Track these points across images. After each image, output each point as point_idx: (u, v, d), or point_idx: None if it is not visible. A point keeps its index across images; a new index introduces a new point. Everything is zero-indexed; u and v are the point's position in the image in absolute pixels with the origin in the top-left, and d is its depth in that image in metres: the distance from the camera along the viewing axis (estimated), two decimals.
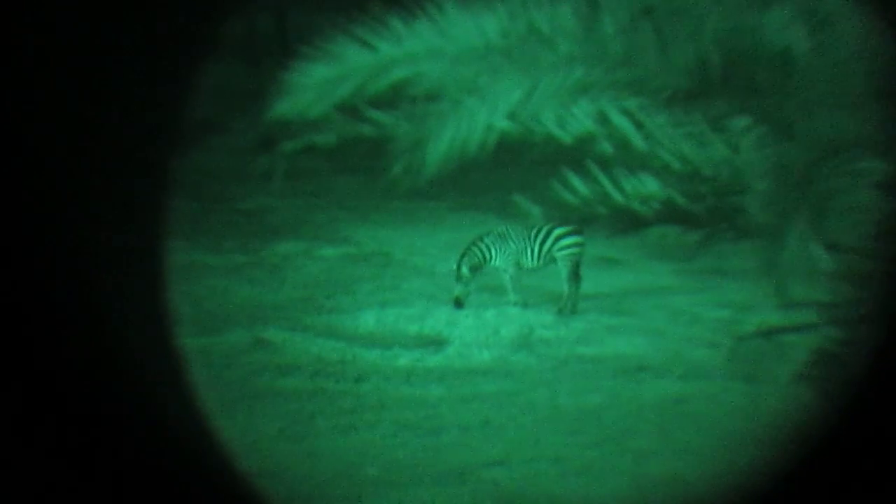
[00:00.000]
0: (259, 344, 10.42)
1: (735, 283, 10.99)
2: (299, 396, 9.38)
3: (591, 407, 9.09)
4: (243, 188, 14.12)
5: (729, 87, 5.07)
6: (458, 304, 11.15)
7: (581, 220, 5.58)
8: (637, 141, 5.05)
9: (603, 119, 5.04)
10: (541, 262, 11.54)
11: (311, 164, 14.16)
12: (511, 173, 11.40)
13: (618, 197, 5.17)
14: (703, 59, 5.16)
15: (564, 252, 11.47)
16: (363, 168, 13.57)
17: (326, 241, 13.06)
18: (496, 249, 11.53)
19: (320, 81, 5.10)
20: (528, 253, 11.53)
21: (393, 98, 4.95)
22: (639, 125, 5.07)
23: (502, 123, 5.01)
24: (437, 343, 10.56)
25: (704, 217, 5.15)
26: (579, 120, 5.05)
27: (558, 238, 11.51)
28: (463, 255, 11.42)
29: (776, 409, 8.60)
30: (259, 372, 9.84)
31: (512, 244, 11.57)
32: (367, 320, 10.99)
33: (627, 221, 5.24)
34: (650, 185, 5.11)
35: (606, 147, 5.03)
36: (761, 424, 8.51)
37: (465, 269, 11.28)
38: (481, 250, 11.51)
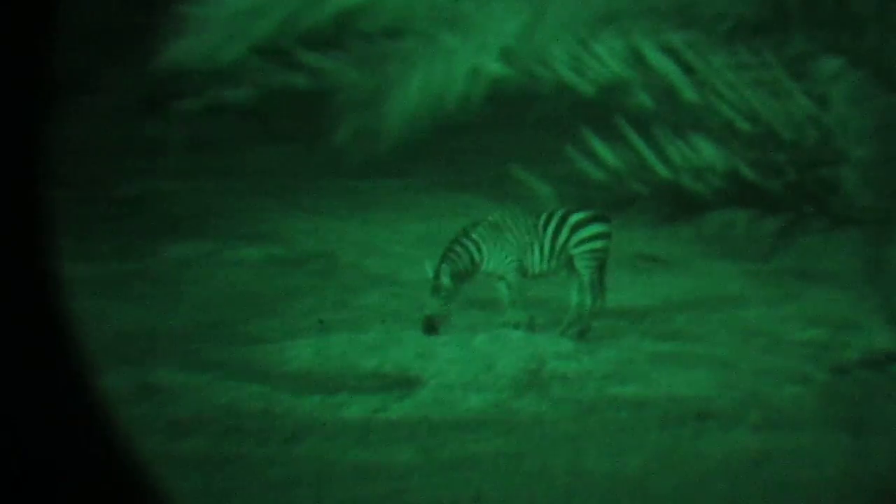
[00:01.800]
0: (146, 390, 10.52)
1: (828, 291, 11.22)
2: (206, 465, 9.49)
3: (631, 472, 9.26)
4: (124, 167, 14.19)
5: (812, 18, 5.24)
6: (432, 327, 11.27)
7: (609, 204, 5.76)
8: (687, 90, 5.21)
9: (637, 60, 5.19)
10: (553, 263, 11.69)
11: (221, 131, 14.19)
12: (509, 138, 11.55)
13: (662, 169, 5.33)
14: None
15: (585, 248, 11.63)
16: (295, 135, 13.60)
17: (243, 240, 13.17)
18: (489, 248, 11.67)
19: (232, 14, 5.22)
20: (535, 251, 11.69)
21: (338, 35, 5.08)
22: (688, 69, 5.23)
23: (494, 67, 5.16)
24: (406, 384, 10.69)
25: (784, 198, 5.32)
26: (604, 61, 5.20)
27: (576, 228, 11.66)
28: (442, 258, 11.56)
29: (891, 471, 8.83)
30: (147, 431, 9.96)
31: (511, 239, 11.72)
32: (303, 353, 11.12)
33: (676, 204, 5.40)
34: (707, 152, 5.27)
35: (644, 99, 5.18)
36: (870, 492, 8.74)
37: (445, 279, 11.41)
38: (468, 250, 11.64)
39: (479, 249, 11.60)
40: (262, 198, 13.97)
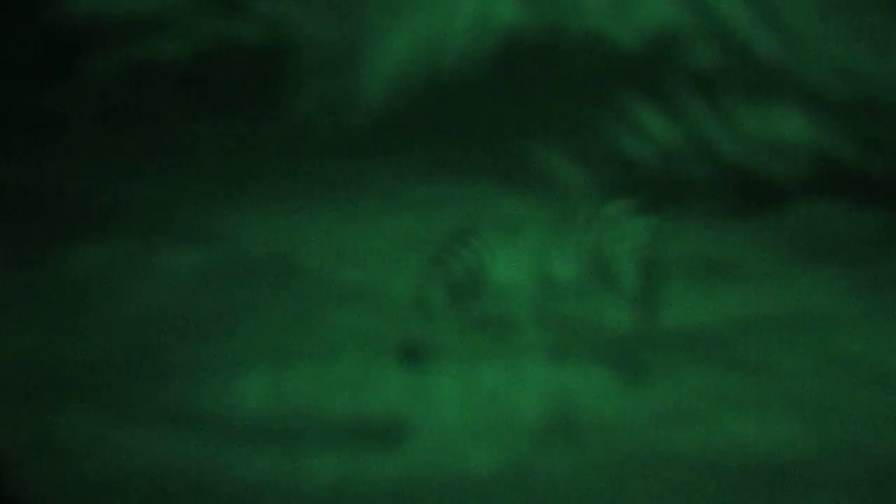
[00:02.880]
0: (44, 442, 10.58)
1: None
2: None
3: None
4: (19, 145, 14.26)
5: None
6: (415, 356, 11.36)
7: (660, 191, 5.80)
8: (763, 43, 5.22)
9: (699, 3, 5.20)
10: (584, 269, 11.78)
11: (146, 98, 14.24)
12: (526, 105, 11.56)
13: (730, 147, 5.35)
14: None
15: (628, 249, 11.73)
16: (244, 104, 13.61)
17: (176, 241, 13.24)
18: (499, 250, 11.77)
19: None
20: (561, 254, 11.78)
21: None
22: (766, 14, 5.25)
23: (508, 11, 5.17)
24: (391, 433, 10.69)
25: (890, 185, 5.34)
26: (653, 5, 5.21)
27: (616, 223, 11.76)
28: (435, 265, 11.66)
29: None
30: (46, 497, 10.00)
31: (529, 238, 11.82)
32: (254, 392, 11.15)
33: (748, 192, 5.41)
34: (790, 124, 5.29)
35: (706, 55, 5.19)
36: None
37: (438, 292, 11.52)
38: (471, 253, 11.75)
39: (484, 252, 11.67)
40: (200, 186, 14.03)
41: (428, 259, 11.71)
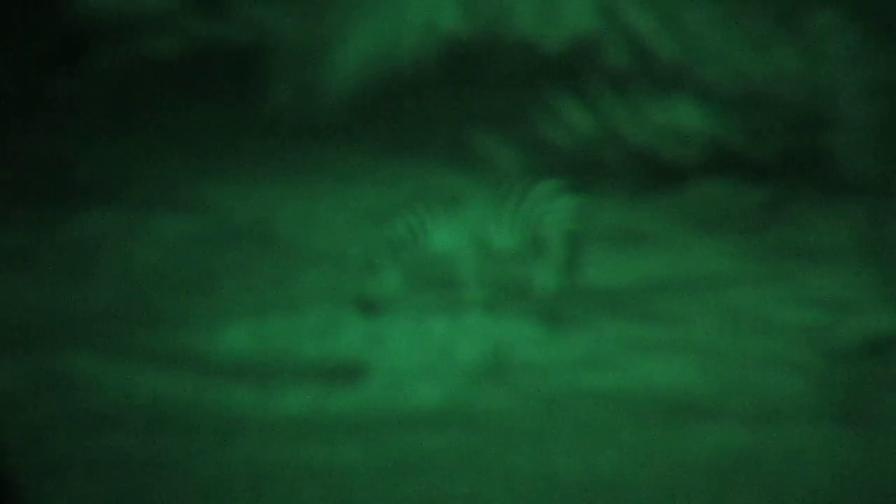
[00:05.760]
0: (56, 380, 10.52)
1: (823, 268, 11.29)
2: (126, 464, 9.53)
3: (605, 473, 9.35)
4: (29, 126, 14.10)
5: None
6: (371, 309, 11.36)
7: (579, 172, 5.90)
8: (666, 46, 5.34)
9: (611, 12, 5.31)
10: (518, 239, 11.81)
11: (143, 88, 14.08)
12: (468, 97, 11.55)
13: (638, 134, 5.47)
14: None
15: (554, 221, 11.76)
16: (227, 93, 13.48)
17: (168, 209, 13.11)
18: (444, 220, 11.79)
19: None
20: (497, 224, 11.80)
21: None
22: (668, 22, 5.36)
23: (451, 19, 5.27)
24: (352, 373, 10.71)
25: (773, 164, 5.47)
26: (574, 14, 5.32)
27: (544, 199, 11.78)
28: (388, 232, 11.60)
29: (893, 468, 9.00)
30: (59, 425, 9.98)
31: (470, 211, 11.84)
32: (236, 338, 11.13)
33: (654, 173, 5.54)
34: (688, 114, 5.41)
35: (618, 55, 5.30)
36: (870, 492, 8.89)
37: (390, 254, 11.51)
38: (419, 223, 11.78)
39: (431, 222, 11.69)
40: (190, 163, 13.92)
41: (382, 227, 11.73)
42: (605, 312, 11.49)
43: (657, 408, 10.09)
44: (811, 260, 11.45)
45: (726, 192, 5.40)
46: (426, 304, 11.56)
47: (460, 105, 11.77)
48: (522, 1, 5.61)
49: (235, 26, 5.45)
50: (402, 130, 13.81)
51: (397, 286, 11.57)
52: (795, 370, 10.60)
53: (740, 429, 9.76)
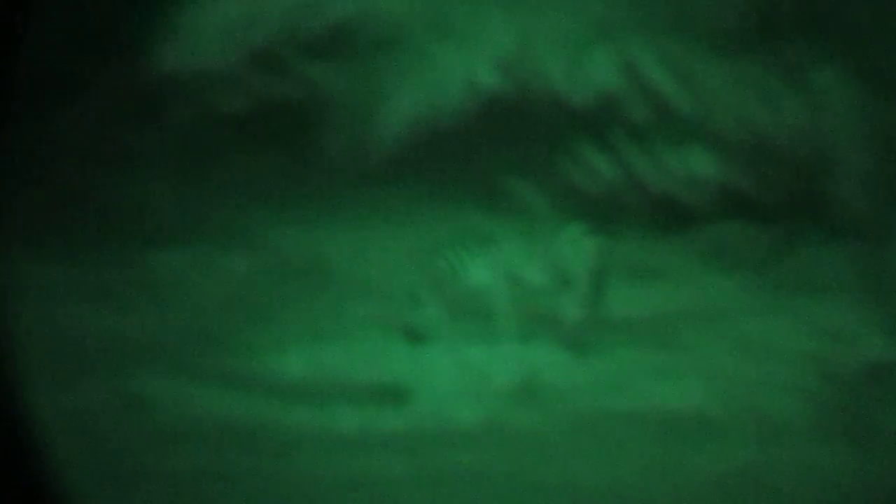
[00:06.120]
0: (135, 401, 10.59)
1: (825, 302, 11.25)
2: (196, 477, 9.55)
3: (625, 485, 9.33)
4: (112, 173, 14.23)
5: (808, 27, 5.39)
6: (415, 337, 11.44)
7: (604, 215, 5.90)
8: (682, 101, 5.35)
9: (633, 71, 5.34)
10: (548, 275, 11.82)
11: (213, 139, 14.24)
12: (504, 149, 11.62)
13: (657, 181, 5.48)
14: None
15: (580, 259, 11.77)
16: (288, 144, 13.64)
17: (234, 248, 13.19)
18: (480, 259, 11.81)
19: (226, 21, 5.36)
20: (528, 262, 11.82)
21: (332, 45, 5.21)
22: (684, 79, 5.38)
23: (489, 79, 5.30)
24: (399, 395, 10.78)
25: (779, 208, 5.47)
26: (599, 73, 5.34)
27: (571, 239, 11.80)
28: (431, 269, 11.73)
29: (888, 483, 8.94)
30: (136, 443, 10.01)
31: (505, 251, 11.86)
32: (294, 363, 11.19)
33: (671, 216, 5.55)
34: (702, 163, 5.42)
35: (639, 111, 5.32)
36: None
37: (429, 288, 11.61)
38: (458, 260, 11.80)
39: (468, 260, 11.72)
40: (253, 207, 14.00)
41: (425, 264, 11.77)
42: (626, 341, 11.51)
43: (672, 427, 10.13)
44: (814, 294, 11.44)
45: (736, 233, 5.40)
46: (465, 334, 11.63)
47: (496, 155, 11.82)
48: (553, 62, 5.63)
49: (294, 84, 5.50)
50: (444, 177, 13.88)
51: (439, 317, 11.63)
52: (800, 394, 10.57)
53: (748, 447, 9.76)
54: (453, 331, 11.61)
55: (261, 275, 12.74)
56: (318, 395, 10.70)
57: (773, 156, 5.86)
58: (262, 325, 11.90)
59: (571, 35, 5.53)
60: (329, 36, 5.56)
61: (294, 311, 12.09)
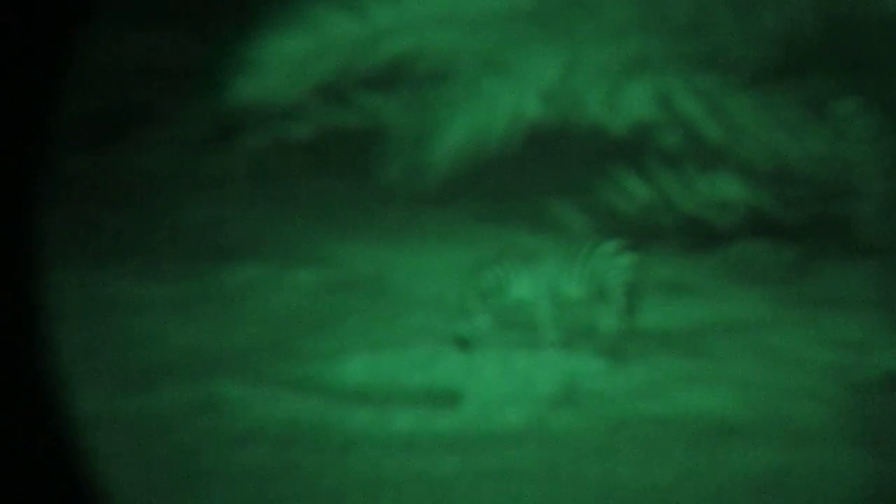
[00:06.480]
0: (209, 403, 10.58)
1: (846, 316, 11.11)
2: (264, 474, 9.54)
3: (658, 485, 9.22)
4: (190, 195, 14.28)
5: (830, 61, 5.28)
6: (465, 345, 11.37)
7: (639, 235, 5.80)
8: (712, 130, 5.26)
9: (666, 102, 5.24)
10: (587, 289, 11.73)
11: (282, 164, 14.24)
12: (546, 173, 11.55)
13: (688, 203, 5.37)
14: (795, 25, 5.39)
15: (618, 275, 11.67)
16: (349, 168, 13.62)
17: (300, 264, 13.21)
18: (524, 273, 11.74)
19: (294, 57, 5.32)
20: (569, 277, 11.73)
21: (389, 78, 5.16)
22: (714, 110, 5.28)
23: (534, 109, 5.22)
24: (450, 399, 10.71)
25: (803, 229, 5.35)
26: (635, 104, 5.25)
27: (608, 256, 11.70)
28: (477, 281, 11.62)
29: None
30: (209, 442, 10.00)
31: (547, 266, 11.78)
32: (355, 369, 11.14)
33: (702, 235, 5.43)
34: (731, 187, 5.31)
35: (672, 138, 5.22)
36: None
37: (477, 301, 11.51)
38: (504, 275, 11.74)
39: (513, 275, 11.67)
40: (318, 226, 14.03)
41: (475, 278, 11.72)
42: (659, 350, 11.41)
43: (702, 431, 10.00)
44: (836, 308, 11.30)
45: (763, 252, 5.28)
46: (510, 343, 11.55)
47: (540, 179, 11.76)
48: (592, 93, 5.52)
49: (354, 114, 5.44)
50: (492, 200, 13.84)
51: (487, 327, 11.57)
52: (822, 401, 10.41)
53: (774, 451, 9.63)
54: (500, 340, 11.55)
55: (324, 288, 12.73)
56: (376, 399, 10.66)
57: (796, 180, 5.72)
58: (325, 334, 11.89)
59: (610, 68, 5.42)
60: (386, 70, 5.49)
61: (355, 322, 12.07)
